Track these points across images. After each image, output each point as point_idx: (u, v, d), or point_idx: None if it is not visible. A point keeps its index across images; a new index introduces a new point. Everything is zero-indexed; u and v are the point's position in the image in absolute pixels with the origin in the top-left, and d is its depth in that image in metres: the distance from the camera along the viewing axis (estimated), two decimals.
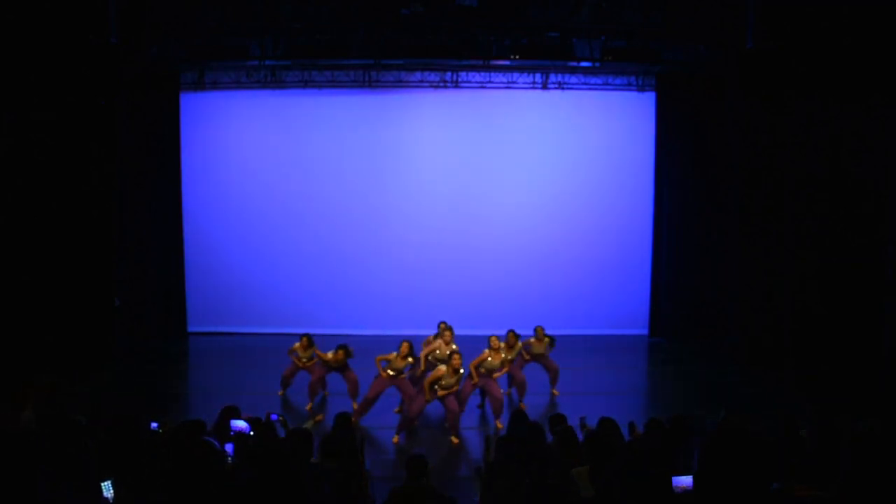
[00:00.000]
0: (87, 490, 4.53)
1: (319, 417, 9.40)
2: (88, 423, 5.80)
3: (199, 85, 14.14)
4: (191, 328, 14.27)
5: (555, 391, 10.66)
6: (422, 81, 14.18)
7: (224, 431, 6.23)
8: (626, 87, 14.33)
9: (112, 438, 5.56)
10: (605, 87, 14.33)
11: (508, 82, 14.23)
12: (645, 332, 14.47)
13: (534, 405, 10.04)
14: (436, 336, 10.21)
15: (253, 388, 10.93)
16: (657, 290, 14.38)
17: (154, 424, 6.31)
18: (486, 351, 9.54)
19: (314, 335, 10.60)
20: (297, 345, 10.47)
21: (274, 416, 6.91)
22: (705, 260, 14.01)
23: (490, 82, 14.22)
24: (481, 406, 10.18)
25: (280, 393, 10.57)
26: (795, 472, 5.12)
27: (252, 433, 6.25)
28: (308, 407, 10.12)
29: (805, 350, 11.65)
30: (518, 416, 6.71)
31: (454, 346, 9.66)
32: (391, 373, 9.48)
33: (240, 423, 6.32)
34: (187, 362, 12.99)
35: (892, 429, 5.20)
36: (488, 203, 14.38)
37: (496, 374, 9.54)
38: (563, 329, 11.75)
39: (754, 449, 5.46)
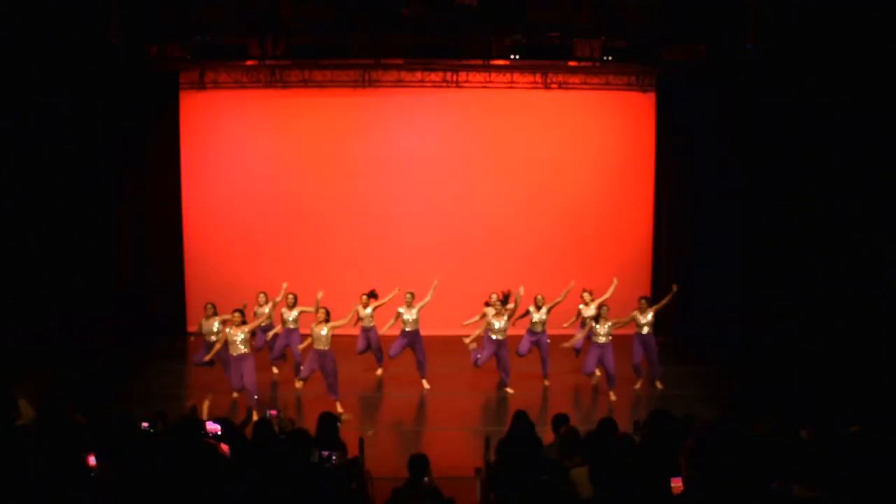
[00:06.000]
0: (84, 489, 4.53)
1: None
2: (87, 422, 5.79)
3: (199, 85, 14.14)
4: (191, 328, 14.24)
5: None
6: (422, 81, 14.16)
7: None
8: (627, 87, 14.32)
9: (110, 438, 5.54)
10: (606, 87, 14.32)
11: (509, 82, 14.22)
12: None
13: (531, 404, 10.03)
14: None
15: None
16: (657, 291, 14.34)
17: (145, 424, 6.26)
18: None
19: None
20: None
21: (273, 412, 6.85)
22: (705, 260, 13.98)
23: (490, 82, 14.21)
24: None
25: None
26: (795, 472, 5.11)
27: (222, 434, 6.09)
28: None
29: (805, 350, 11.66)
30: (518, 417, 6.68)
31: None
32: None
33: (213, 425, 6.19)
34: (187, 362, 12.95)
35: (893, 430, 5.19)
36: (489, 203, 14.37)
37: None
38: (563, 328, 11.76)
39: (752, 449, 5.45)
